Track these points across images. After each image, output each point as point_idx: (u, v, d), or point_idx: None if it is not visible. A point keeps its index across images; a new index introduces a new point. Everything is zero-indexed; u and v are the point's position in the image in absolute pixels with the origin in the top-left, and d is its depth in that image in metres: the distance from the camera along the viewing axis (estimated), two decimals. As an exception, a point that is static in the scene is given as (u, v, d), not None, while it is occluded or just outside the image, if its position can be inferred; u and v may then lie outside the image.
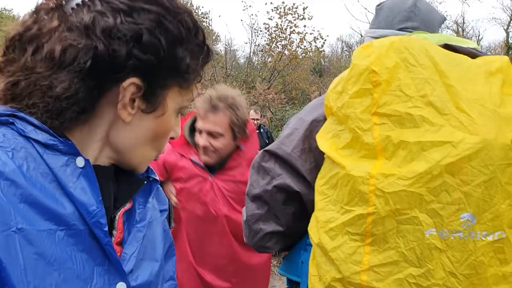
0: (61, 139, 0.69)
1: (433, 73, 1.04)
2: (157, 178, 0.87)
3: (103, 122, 0.74)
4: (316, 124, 1.32)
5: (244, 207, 1.49)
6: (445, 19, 1.62)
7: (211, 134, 2.21)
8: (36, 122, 0.68)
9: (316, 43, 16.64)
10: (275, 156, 1.39)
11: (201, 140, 2.22)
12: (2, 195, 0.61)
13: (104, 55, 0.68)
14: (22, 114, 0.68)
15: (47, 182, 0.66)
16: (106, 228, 0.70)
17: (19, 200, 0.62)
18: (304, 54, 16.83)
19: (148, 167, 0.85)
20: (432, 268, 1.01)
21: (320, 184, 1.19)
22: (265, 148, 1.44)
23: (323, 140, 1.19)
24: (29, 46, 0.70)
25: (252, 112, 7.80)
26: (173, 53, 0.73)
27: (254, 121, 7.58)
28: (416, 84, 1.03)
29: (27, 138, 0.67)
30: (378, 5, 1.60)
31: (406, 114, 1.02)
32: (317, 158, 1.31)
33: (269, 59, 16.99)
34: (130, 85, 0.71)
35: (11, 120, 0.67)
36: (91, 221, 0.69)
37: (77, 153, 0.70)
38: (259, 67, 18.01)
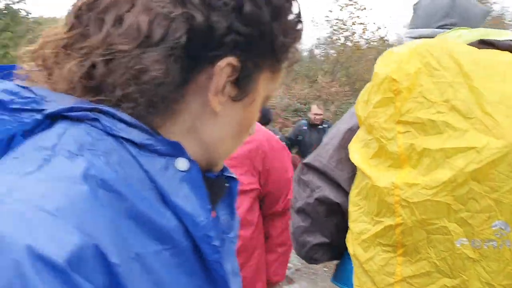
0: (159, 137, 0.56)
1: (457, 76, 1.00)
2: (234, 175, 0.72)
3: (189, 113, 0.60)
4: (350, 133, 1.31)
5: (291, 219, 1.51)
6: (488, 12, 1.54)
7: None
8: (127, 117, 0.55)
9: (379, 32, 16.24)
10: (312, 168, 1.39)
11: None
12: (113, 212, 0.49)
13: (202, 28, 0.56)
14: (107, 108, 0.54)
15: (145, 190, 0.54)
16: (217, 243, 0.58)
17: (126, 216, 0.50)
18: (367, 45, 16.49)
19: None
20: (467, 279, 0.97)
21: (353, 194, 1.18)
22: (303, 161, 1.45)
23: (355, 150, 1.18)
24: (107, 16, 0.56)
25: (314, 107, 7.71)
26: (272, 28, 0.61)
27: (316, 116, 7.46)
28: (439, 88, 1.00)
29: (117, 137, 0.54)
30: (415, 4, 1.55)
31: (429, 121, 0.99)
32: (354, 167, 1.30)
33: (331, 51, 16.80)
34: (226, 65, 0.58)
35: (93, 116, 0.53)
36: (198, 234, 0.56)
37: (178, 154, 0.57)
38: (322, 59, 17.85)
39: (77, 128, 0.53)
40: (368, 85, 1.15)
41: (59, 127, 0.52)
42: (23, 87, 0.55)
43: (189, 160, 0.57)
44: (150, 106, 0.56)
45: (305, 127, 7.33)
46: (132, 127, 0.55)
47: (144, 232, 0.51)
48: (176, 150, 0.57)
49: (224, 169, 0.70)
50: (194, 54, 0.57)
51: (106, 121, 0.54)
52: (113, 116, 0.54)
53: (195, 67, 0.58)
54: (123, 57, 0.54)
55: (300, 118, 10.49)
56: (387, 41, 16.84)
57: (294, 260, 4.99)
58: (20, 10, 22.79)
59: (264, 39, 0.60)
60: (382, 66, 1.08)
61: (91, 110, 0.54)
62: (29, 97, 0.54)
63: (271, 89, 0.67)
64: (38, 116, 0.53)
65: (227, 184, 0.69)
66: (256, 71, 0.62)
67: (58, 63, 0.57)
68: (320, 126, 7.37)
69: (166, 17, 0.55)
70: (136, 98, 0.55)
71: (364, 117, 1.12)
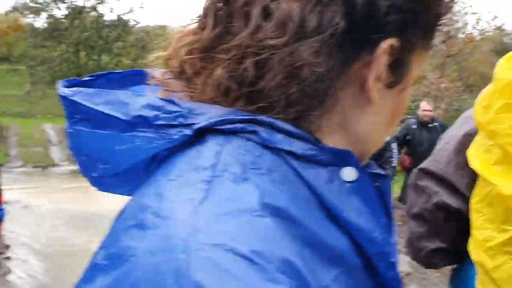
0: (322, 146, 0.49)
1: None
2: (382, 171, 0.60)
3: (342, 107, 0.53)
4: (468, 138, 1.28)
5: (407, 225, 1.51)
6: None
7: None
8: (285, 126, 0.48)
9: (495, 21, 15.22)
10: (429, 173, 1.38)
11: None
12: (294, 243, 0.42)
13: (363, 9, 0.49)
14: (263, 118, 0.48)
15: (312, 209, 0.47)
16: (394, 259, 0.52)
17: (304, 243, 0.44)
18: (481, 36, 15.52)
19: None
20: None
21: (475, 201, 1.16)
22: (419, 166, 1.44)
23: (475, 156, 1.16)
24: (253, 8, 0.49)
25: (423, 103, 7.38)
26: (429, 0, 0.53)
27: (425, 112, 7.13)
28: None
29: (276, 150, 0.47)
30: None
31: None
32: (473, 172, 1.27)
33: (440, 45, 16.02)
34: (387, 49, 0.51)
35: (251, 129, 0.47)
36: (373, 252, 0.50)
37: (344, 162, 0.49)
38: (430, 53, 17.08)
39: (233, 144, 0.47)
40: (487, 89, 1.12)
41: (213, 143, 0.47)
42: (167, 100, 0.50)
43: (357, 168, 0.49)
44: (308, 107, 0.49)
45: (414, 126, 7.06)
46: (291, 136, 0.48)
47: (322, 258, 0.45)
48: (342, 158, 0.49)
49: (369, 164, 0.59)
50: (354, 40, 0.49)
51: (264, 132, 0.47)
52: (270, 126, 0.47)
53: (353, 54, 0.51)
54: (277, 53, 0.47)
55: (408, 116, 10.13)
56: (505, 30, 15.72)
57: (405, 265, 4.87)
58: (130, 20, 24.42)
59: (422, 13, 0.53)
60: (504, 70, 1.05)
61: (247, 121, 0.47)
62: (175, 111, 0.49)
63: (422, 70, 0.59)
64: (187, 132, 0.48)
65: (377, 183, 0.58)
66: (412, 51, 0.55)
67: (200, 69, 0.51)
68: (430, 125, 7.03)
69: (320, 1, 0.48)
70: (296, 100, 0.48)
71: (485, 123, 1.10)
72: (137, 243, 0.40)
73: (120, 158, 0.51)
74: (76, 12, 23.41)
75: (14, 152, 19.61)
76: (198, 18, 0.53)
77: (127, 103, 0.50)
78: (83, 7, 23.75)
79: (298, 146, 0.47)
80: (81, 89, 0.53)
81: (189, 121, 0.48)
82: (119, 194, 0.58)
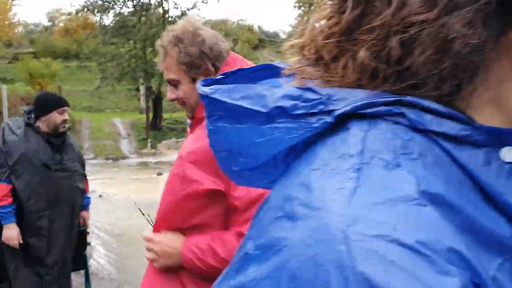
0: (477, 125, 0.45)
1: None
2: None
3: (494, 80, 0.48)
4: None
5: None
6: None
7: (170, 83, 1.83)
8: (435, 105, 0.45)
9: None
10: None
11: (168, 93, 1.87)
12: (456, 230, 0.40)
13: None
14: (410, 98, 0.45)
15: (468, 193, 0.44)
16: None
17: (463, 230, 0.42)
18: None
19: None
20: None
21: None
22: None
23: None
24: None
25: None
26: None
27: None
28: None
29: (425, 132, 0.44)
30: None
31: None
32: None
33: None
34: None
35: (396, 111, 0.45)
36: None
37: (503, 142, 0.45)
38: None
39: (379, 128, 0.45)
40: None
41: (357, 128, 0.45)
42: (305, 89, 0.49)
43: None
44: (461, 82, 0.46)
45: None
46: (441, 116, 0.45)
47: (482, 245, 0.42)
48: (501, 138, 0.45)
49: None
50: (506, 11, 0.45)
51: (412, 114, 0.44)
52: (418, 107, 0.45)
53: (504, 26, 0.46)
54: (425, 28, 0.45)
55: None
56: None
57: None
58: (194, 16, 24.83)
59: None
60: None
61: (392, 103, 0.45)
62: (313, 99, 0.48)
63: None
64: (328, 119, 0.46)
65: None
66: None
67: (339, 53, 0.50)
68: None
69: None
70: (448, 74, 0.45)
71: None
72: (288, 234, 0.39)
73: (259, 151, 0.52)
74: (143, 9, 24.14)
75: (86, 145, 20.55)
76: (332, 3, 0.52)
77: (265, 95, 0.50)
78: (149, 3, 24.45)
79: (450, 127, 0.44)
80: (219, 86, 0.54)
81: (330, 107, 0.46)
82: (258, 187, 0.59)
